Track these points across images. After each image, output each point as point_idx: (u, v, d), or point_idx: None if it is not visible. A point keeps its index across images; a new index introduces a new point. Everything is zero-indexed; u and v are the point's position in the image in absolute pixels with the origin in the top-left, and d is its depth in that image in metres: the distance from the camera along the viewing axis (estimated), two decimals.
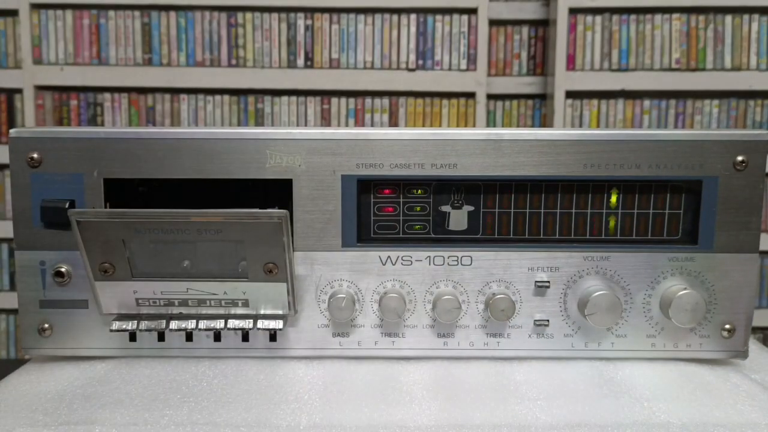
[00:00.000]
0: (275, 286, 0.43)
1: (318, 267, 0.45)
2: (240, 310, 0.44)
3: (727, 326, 0.45)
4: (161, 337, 0.45)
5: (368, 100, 1.65)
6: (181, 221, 0.41)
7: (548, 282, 0.45)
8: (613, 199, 0.45)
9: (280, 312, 0.44)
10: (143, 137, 0.43)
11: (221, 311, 0.44)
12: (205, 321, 0.44)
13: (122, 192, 0.45)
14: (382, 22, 1.62)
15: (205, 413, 0.38)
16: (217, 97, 1.65)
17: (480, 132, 0.43)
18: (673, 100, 1.61)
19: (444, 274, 0.45)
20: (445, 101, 1.64)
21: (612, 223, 0.45)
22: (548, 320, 0.45)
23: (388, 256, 0.45)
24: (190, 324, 0.43)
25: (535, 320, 0.45)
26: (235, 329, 0.44)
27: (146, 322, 0.43)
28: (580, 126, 1.62)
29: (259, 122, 1.65)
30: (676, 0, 1.56)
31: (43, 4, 1.61)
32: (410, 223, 0.45)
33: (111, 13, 1.62)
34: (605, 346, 0.46)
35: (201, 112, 1.66)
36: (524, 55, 1.68)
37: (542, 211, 0.45)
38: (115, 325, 0.43)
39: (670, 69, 1.58)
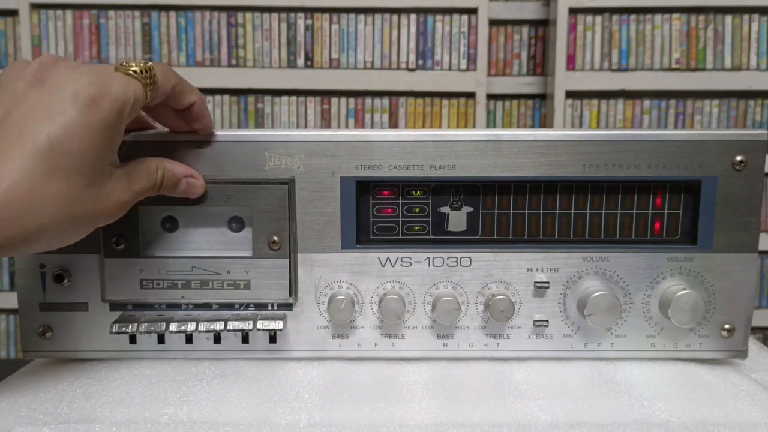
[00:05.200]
0: (277, 262, 0.43)
1: (317, 269, 0.45)
2: (241, 294, 0.44)
3: (727, 326, 0.45)
4: (161, 339, 0.46)
5: (368, 100, 1.65)
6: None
7: (547, 282, 0.45)
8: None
9: (281, 298, 0.44)
10: (143, 139, 0.43)
11: (221, 297, 0.44)
12: (205, 323, 0.44)
13: None
14: (382, 22, 1.62)
15: (205, 412, 0.38)
16: (217, 97, 1.65)
17: (479, 133, 0.43)
18: (673, 100, 1.61)
19: (443, 276, 0.45)
20: (445, 101, 1.64)
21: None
22: (548, 321, 0.45)
23: (388, 258, 0.45)
24: (190, 326, 0.44)
25: (534, 321, 0.45)
26: (234, 330, 0.44)
27: (146, 324, 0.43)
28: (580, 126, 1.62)
29: (259, 122, 1.65)
30: (676, 0, 1.56)
31: (43, 4, 1.61)
32: (409, 225, 0.45)
33: (111, 13, 1.62)
34: (605, 347, 0.46)
35: None
36: (524, 55, 1.68)
37: (541, 211, 0.45)
38: (115, 327, 0.44)
39: (670, 69, 1.58)
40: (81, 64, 0.36)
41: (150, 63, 0.38)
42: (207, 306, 0.45)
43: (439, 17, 1.62)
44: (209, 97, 1.65)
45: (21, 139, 0.32)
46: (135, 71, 0.37)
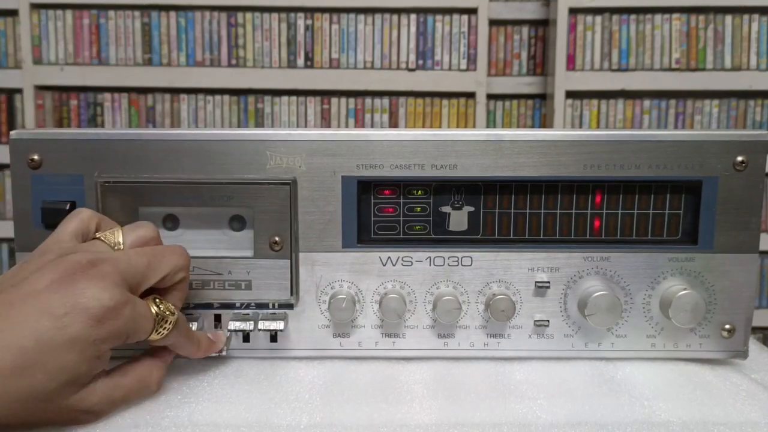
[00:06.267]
0: (279, 263, 0.43)
1: (318, 268, 0.45)
2: (242, 294, 0.44)
3: (727, 326, 0.45)
4: None
5: (368, 100, 1.65)
6: (192, 186, 0.43)
7: (548, 282, 0.45)
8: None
9: (282, 298, 0.44)
10: (144, 138, 0.43)
11: (223, 297, 0.44)
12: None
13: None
14: (382, 22, 1.62)
15: (206, 414, 0.38)
16: (217, 97, 1.65)
17: (480, 133, 0.43)
18: (673, 100, 1.61)
19: (444, 275, 0.45)
20: (445, 101, 1.64)
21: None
22: (548, 320, 0.45)
23: (389, 257, 0.45)
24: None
25: (535, 320, 0.45)
26: (235, 331, 0.44)
27: None
28: (580, 126, 1.62)
29: (259, 122, 1.65)
30: (676, 0, 1.56)
31: (43, 4, 1.61)
32: (410, 224, 0.45)
33: (111, 13, 1.62)
34: (605, 346, 0.46)
35: (201, 112, 1.66)
36: (524, 55, 1.68)
37: (542, 211, 0.45)
38: None
39: (670, 69, 1.58)
40: (108, 277, 0.35)
41: (175, 318, 0.38)
42: (208, 306, 0.45)
43: (439, 17, 1.62)
44: (209, 98, 1.65)
45: (5, 336, 0.32)
46: (155, 313, 0.37)
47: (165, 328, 0.38)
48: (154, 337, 0.38)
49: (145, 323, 0.37)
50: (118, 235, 0.39)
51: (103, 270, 0.35)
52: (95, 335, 0.34)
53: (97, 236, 0.39)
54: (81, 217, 0.40)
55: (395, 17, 1.62)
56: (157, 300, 0.38)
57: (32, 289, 0.34)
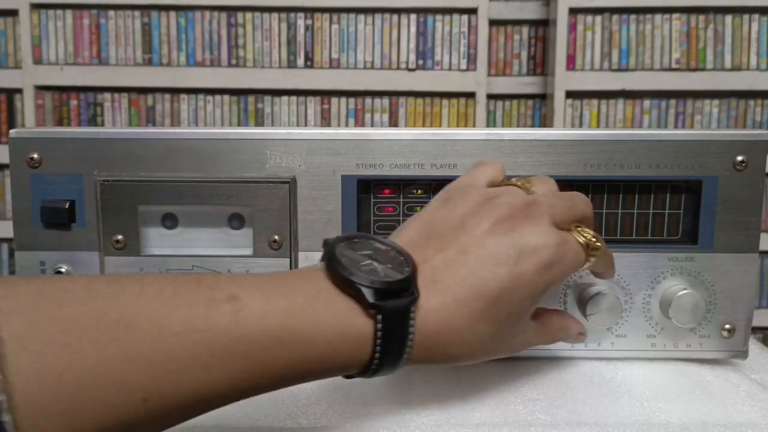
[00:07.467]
0: (278, 261, 0.44)
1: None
2: None
3: (727, 326, 0.45)
4: None
5: (368, 100, 1.65)
6: (192, 184, 0.43)
7: None
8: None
9: None
10: (143, 137, 0.43)
11: None
12: None
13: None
14: (382, 22, 1.62)
15: (201, 418, 0.38)
16: (217, 97, 1.65)
17: (480, 132, 0.43)
18: (673, 100, 1.61)
19: None
20: (445, 101, 1.64)
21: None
22: None
23: None
24: None
25: None
26: None
27: None
28: (580, 126, 1.62)
29: (259, 122, 1.65)
30: (676, 0, 1.56)
31: (43, 4, 1.61)
32: None
33: (111, 13, 1.62)
34: (605, 346, 0.46)
35: (201, 112, 1.66)
36: (524, 55, 1.68)
37: None
38: None
39: (670, 69, 1.58)
40: (543, 218, 0.35)
41: (599, 244, 0.37)
42: None
43: (439, 17, 1.62)
44: (209, 98, 1.65)
45: (470, 283, 0.32)
46: (584, 243, 0.36)
47: (594, 255, 0.36)
48: (585, 265, 0.37)
49: (579, 257, 0.36)
50: (532, 183, 0.38)
51: (539, 211, 0.35)
52: (544, 280, 0.34)
53: (514, 182, 0.38)
54: (497, 166, 0.40)
55: (395, 17, 1.62)
56: (579, 229, 0.37)
57: (475, 234, 0.34)
